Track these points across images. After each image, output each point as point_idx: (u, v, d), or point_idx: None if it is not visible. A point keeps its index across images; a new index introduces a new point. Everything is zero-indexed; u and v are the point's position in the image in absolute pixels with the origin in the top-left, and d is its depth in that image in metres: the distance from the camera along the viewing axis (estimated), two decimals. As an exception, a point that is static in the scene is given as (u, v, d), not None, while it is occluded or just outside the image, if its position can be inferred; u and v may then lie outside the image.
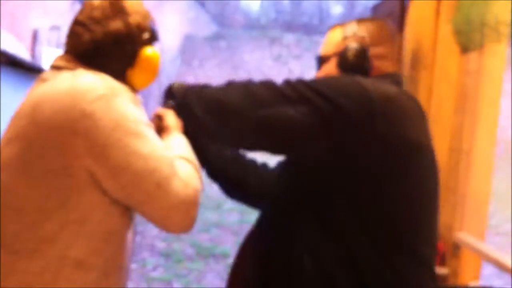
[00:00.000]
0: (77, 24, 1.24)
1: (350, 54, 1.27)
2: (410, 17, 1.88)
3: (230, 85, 1.24)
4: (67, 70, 1.20)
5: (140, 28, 1.26)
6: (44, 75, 1.23)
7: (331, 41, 1.35)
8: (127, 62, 1.25)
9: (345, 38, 1.31)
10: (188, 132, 1.43)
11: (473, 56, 1.82)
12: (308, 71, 14.73)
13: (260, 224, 1.34)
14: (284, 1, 24.62)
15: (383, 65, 1.30)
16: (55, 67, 1.22)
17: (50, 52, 7.90)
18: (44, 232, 1.12)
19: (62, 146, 1.10)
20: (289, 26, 20.07)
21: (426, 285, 1.17)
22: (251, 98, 1.17)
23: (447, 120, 1.85)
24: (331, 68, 1.32)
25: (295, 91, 1.14)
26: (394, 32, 1.36)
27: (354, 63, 1.27)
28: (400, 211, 1.12)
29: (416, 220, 1.15)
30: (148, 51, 1.26)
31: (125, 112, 1.13)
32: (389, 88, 1.18)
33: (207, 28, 17.14)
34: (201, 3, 16.77)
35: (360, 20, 1.34)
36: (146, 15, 1.29)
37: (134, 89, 1.27)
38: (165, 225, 1.17)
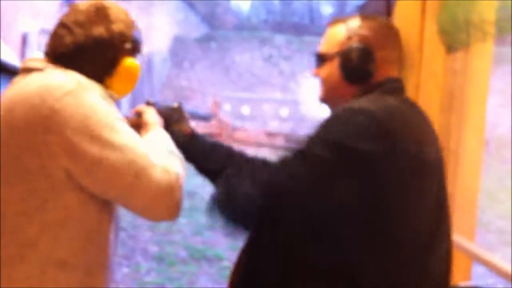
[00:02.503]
0: (61, 26, 1.24)
1: (355, 55, 1.20)
2: (396, 17, 1.87)
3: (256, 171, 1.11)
4: (37, 71, 1.19)
5: (123, 37, 1.25)
6: (15, 79, 1.22)
7: (333, 38, 1.27)
8: (105, 69, 1.25)
9: (349, 37, 1.23)
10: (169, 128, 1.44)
11: (459, 55, 1.82)
12: (299, 72, 14.76)
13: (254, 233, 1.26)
14: (275, 1, 24.64)
15: (387, 69, 1.23)
16: (26, 70, 1.22)
17: (33, 55, 7.87)
18: (26, 236, 1.12)
19: (36, 146, 1.09)
20: (280, 27, 20.10)
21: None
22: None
23: (434, 119, 1.84)
24: (332, 68, 1.25)
25: (309, 149, 1.06)
26: (398, 33, 1.27)
27: (358, 65, 1.20)
28: (400, 220, 1.06)
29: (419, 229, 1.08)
30: (128, 61, 1.26)
31: (95, 106, 1.12)
32: (392, 113, 1.08)
33: (197, 29, 17.12)
34: (191, 4, 16.75)
35: (364, 17, 1.26)
36: (131, 25, 1.29)
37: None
38: (151, 214, 1.16)
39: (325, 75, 1.26)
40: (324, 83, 1.28)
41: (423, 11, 1.83)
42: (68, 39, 1.22)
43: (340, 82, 1.23)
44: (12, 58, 6.79)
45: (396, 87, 1.21)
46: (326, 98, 1.30)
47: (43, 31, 8.62)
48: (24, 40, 8.37)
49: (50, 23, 9.06)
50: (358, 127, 1.05)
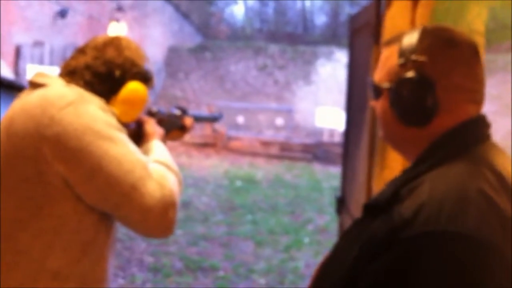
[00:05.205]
0: (78, 50, 1.31)
1: (406, 91, 0.92)
2: (386, 27, 1.89)
3: None
4: (42, 87, 1.22)
5: (133, 63, 1.30)
6: (22, 93, 1.26)
7: (384, 65, 0.99)
8: (111, 88, 1.27)
9: (402, 65, 0.94)
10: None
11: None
12: (293, 81, 14.81)
13: None
14: (269, 11, 24.74)
15: (461, 105, 0.93)
16: (32, 84, 1.25)
17: (34, 69, 7.87)
18: (20, 244, 1.13)
19: (33, 153, 1.11)
20: (274, 36, 20.18)
21: None
22: None
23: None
24: (385, 105, 0.98)
25: None
26: (472, 48, 0.95)
27: (411, 104, 0.92)
28: None
29: None
30: (135, 84, 1.29)
31: (95, 116, 1.14)
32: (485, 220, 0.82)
33: (192, 39, 17.18)
34: (185, 14, 16.81)
35: (424, 32, 0.94)
36: (142, 57, 1.34)
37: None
38: (143, 228, 1.17)
39: (379, 112, 1.02)
40: (380, 121, 1.03)
41: (412, 22, 1.85)
42: (81, 59, 1.28)
43: (394, 124, 0.97)
44: (5, 72, 6.78)
45: (469, 141, 0.93)
46: (387, 140, 1.05)
47: (36, 43, 8.62)
48: (18, 52, 8.37)
49: (44, 35, 9.05)
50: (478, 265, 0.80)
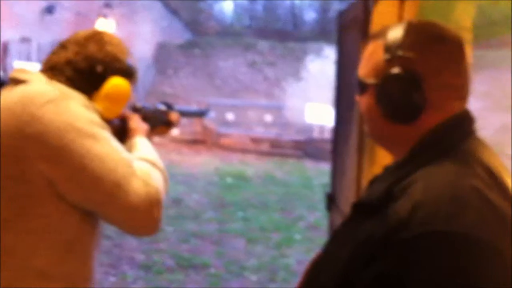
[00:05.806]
0: (59, 46, 1.29)
1: (393, 88, 0.90)
2: (373, 24, 1.90)
3: None
4: (23, 83, 1.20)
5: (115, 57, 1.28)
6: (2, 90, 1.24)
7: (369, 61, 0.97)
8: (93, 84, 1.26)
9: (388, 61, 0.92)
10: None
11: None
12: (283, 77, 14.81)
13: None
14: (258, 7, 24.72)
15: (445, 101, 0.92)
16: (13, 81, 1.23)
17: (20, 66, 7.74)
18: (4, 243, 1.12)
19: (15, 152, 1.10)
20: (263, 32, 20.16)
21: None
22: None
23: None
24: (370, 102, 0.96)
25: None
26: (459, 44, 0.94)
27: (398, 101, 0.91)
28: None
29: None
30: (116, 79, 1.27)
31: (77, 114, 1.13)
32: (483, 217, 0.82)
33: (181, 36, 17.12)
34: (174, 11, 16.74)
35: (410, 27, 0.93)
36: (124, 51, 1.32)
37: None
38: (128, 226, 1.17)
39: (364, 108, 1.00)
40: (364, 117, 1.02)
41: (400, 18, 1.86)
42: (62, 54, 1.26)
43: (380, 120, 0.96)
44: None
45: (457, 137, 0.92)
46: (372, 136, 1.04)
47: (23, 39, 8.54)
48: (5, 48, 8.29)
49: (31, 32, 8.95)
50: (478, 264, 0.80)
